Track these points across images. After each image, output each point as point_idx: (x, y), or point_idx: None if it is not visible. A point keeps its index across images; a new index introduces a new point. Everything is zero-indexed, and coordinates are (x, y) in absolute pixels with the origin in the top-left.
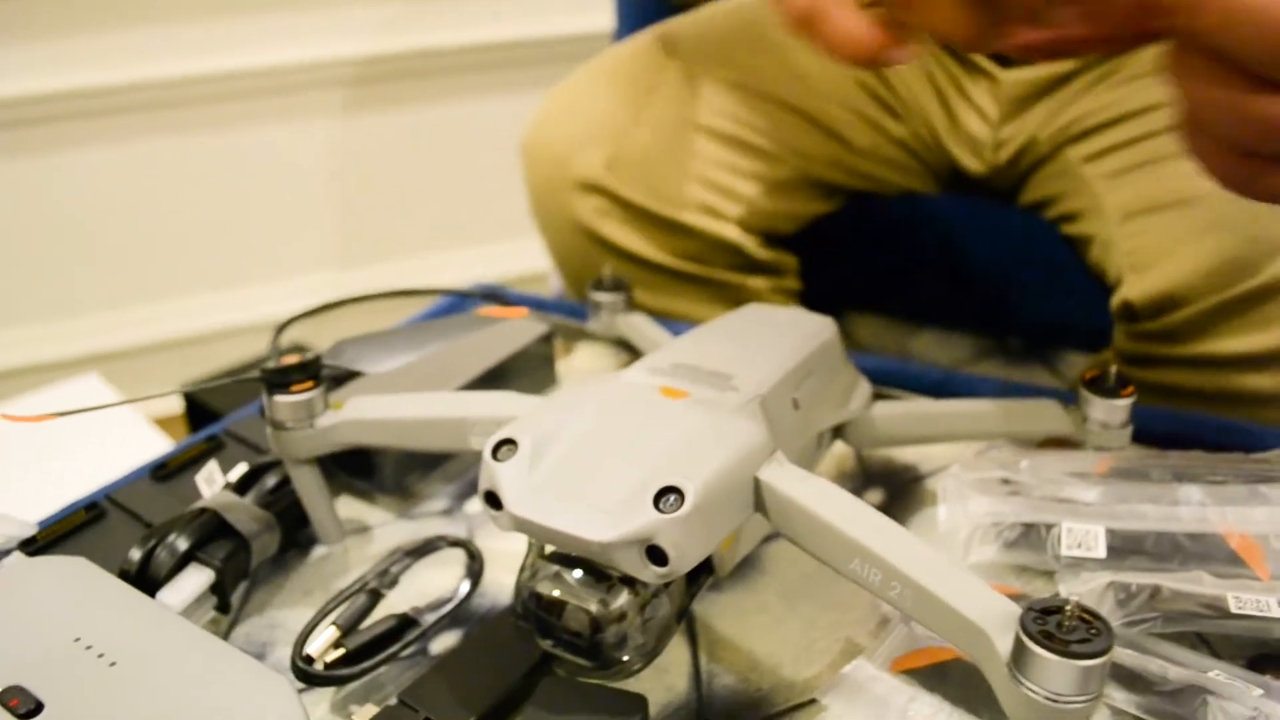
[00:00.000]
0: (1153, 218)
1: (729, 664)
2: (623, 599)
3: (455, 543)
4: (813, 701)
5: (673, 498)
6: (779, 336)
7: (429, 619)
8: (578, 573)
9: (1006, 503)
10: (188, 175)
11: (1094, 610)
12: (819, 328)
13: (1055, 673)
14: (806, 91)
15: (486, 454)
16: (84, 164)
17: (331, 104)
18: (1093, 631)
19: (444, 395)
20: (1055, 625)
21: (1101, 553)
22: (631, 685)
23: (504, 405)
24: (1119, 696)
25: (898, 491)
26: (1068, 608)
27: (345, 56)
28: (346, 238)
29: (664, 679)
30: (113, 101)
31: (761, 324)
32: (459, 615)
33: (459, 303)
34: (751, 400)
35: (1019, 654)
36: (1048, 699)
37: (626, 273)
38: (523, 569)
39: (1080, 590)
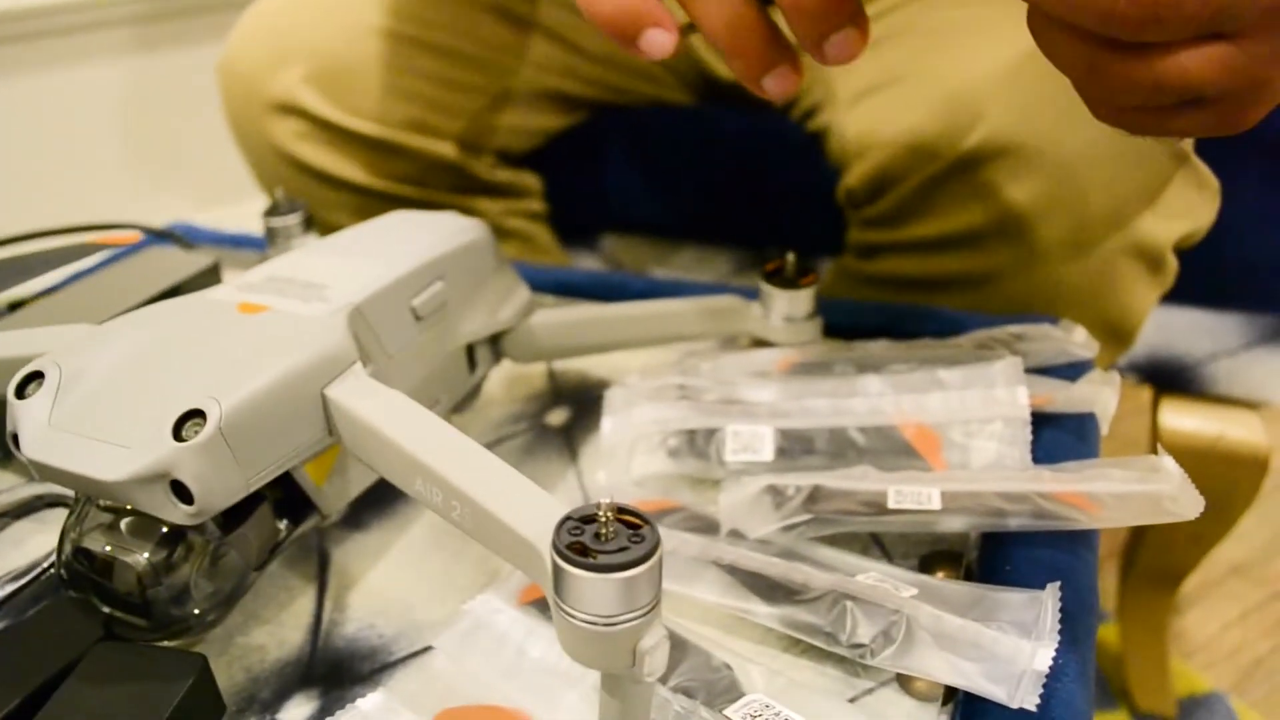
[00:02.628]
0: (874, 99)
1: (356, 611)
2: (172, 547)
3: (54, 502)
4: (429, 649)
5: (195, 424)
6: (402, 242)
7: (4, 590)
8: (126, 520)
9: (673, 409)
10: None
11: (637, 511)
12: (459, 230)
13: (589, 590)
14: None
15: (10, 391)
16: None
17: (106, 46)
18: (636, 538)
19: (13, 334)
20: (592, 536)
21: (769, 455)
22: (245, 642)
23: (62, 339)
24: (761, 611)
25: (584, 408)
26: (602, 513)
27: None
28: (132, 189)
29: (278, 633)
30: None
31: (390, 230)
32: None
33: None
34: (338, 311)
35: (555, 573)
36: (587, 621)
37: (337, 199)
38: (67, 522)
39: (737, 498)
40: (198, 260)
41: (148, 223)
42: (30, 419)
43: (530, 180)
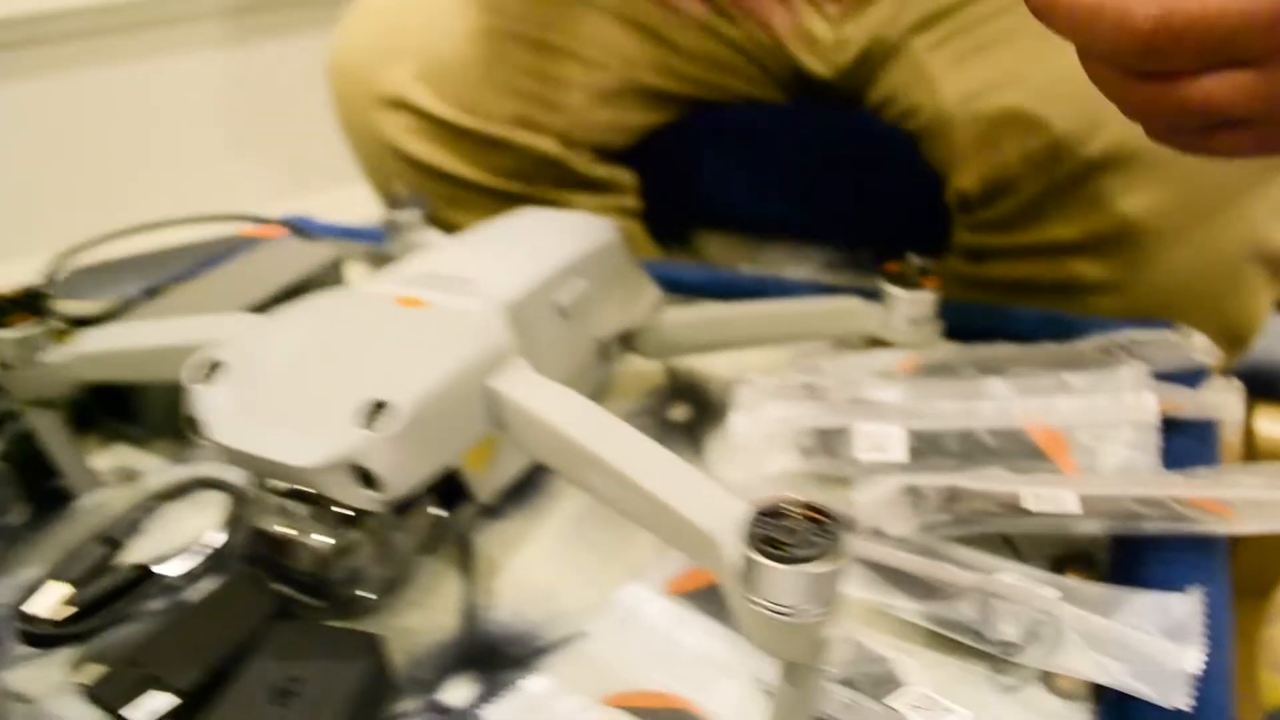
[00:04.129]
0: (987, 100)
1: (505, 597)
2: (351, 530)
3: (212, 484)
4: (584, 633)
5: (382, 414)
6: (544, 240)
7: (175, 569)
8: (303, 505)
9: (802, 407)
10: (30, 120)
11: (825, 509)
12: (594, 230)
13: (781, 583)
14: None
15: (190, 378)
16: None
17: (198, 39)
18: (823, 533)
19: (177, 321)
20: (782, 530)
21: (900, 455)
22: (398, 624)
23: (235, 326)
24: (907, 607)
25: (705, 405)
26: (793, 508)
27: None
28: (229, 178)
29: (433, 616)
30: None
31: (530, 228)
32: (221, 564)
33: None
34: (495, 306)
35: (745, 565)
36: (775, 612)
37: (444, 193)
38: (249, 504)
39: (873, 496)
40: (323, 252)
41: (249, 211)
42: (214, 405)
43: (625, 176)
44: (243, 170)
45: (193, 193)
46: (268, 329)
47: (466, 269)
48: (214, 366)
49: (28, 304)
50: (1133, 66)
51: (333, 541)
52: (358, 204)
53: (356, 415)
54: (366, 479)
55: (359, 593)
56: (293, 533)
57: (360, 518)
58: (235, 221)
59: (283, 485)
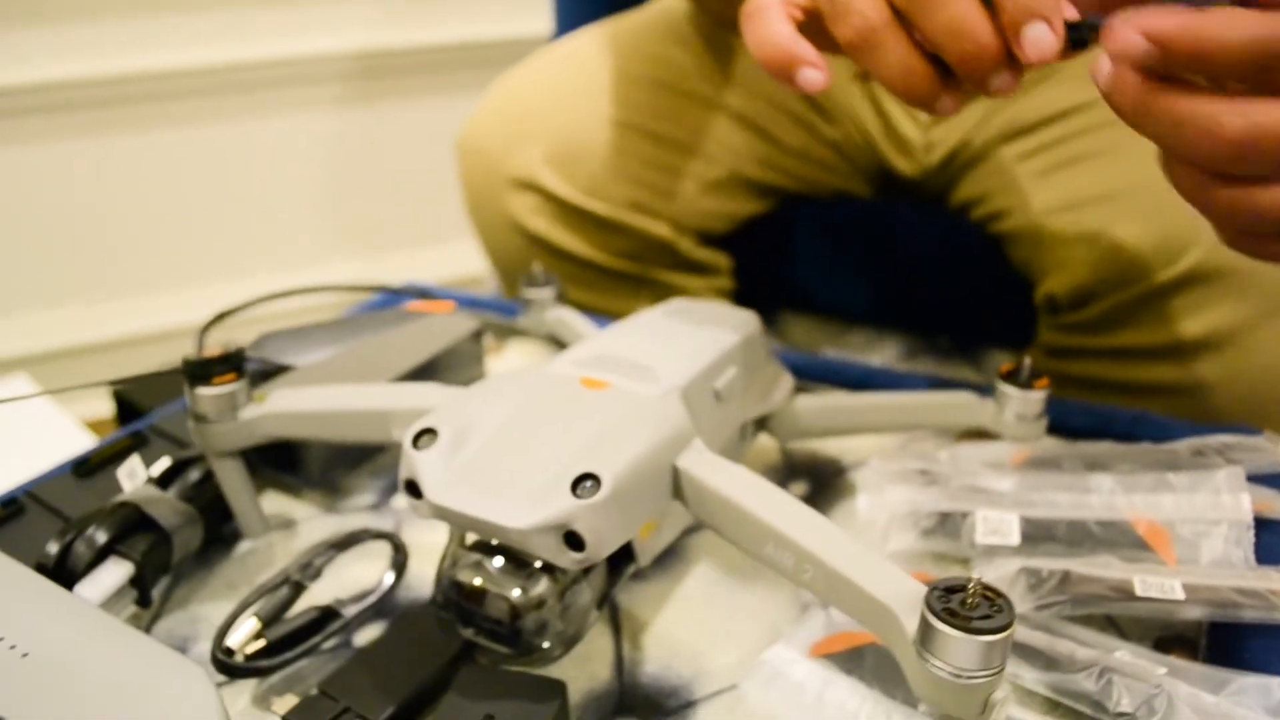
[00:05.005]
0: (1078, 213)
1: (652, 652)
2: (542, 586)
3: (379, 535)
4: (732, 688)
5: (590, 484)
6: (701, 330)
7: (352, 611)
8: (498, 560)
9: (924, 492)
10: (145, 171)
11: (995, 588)
12: (741, 321)
13: (959, 649)
14: (737, 91)
15: (406, 443)
16: (32, 159)
17: (310, 100)
18: (994, 608)
19: (367, 387)
20: (959, 603)
21: (1015, 540)
22: (554, 673)
23: (425, 397)
24: (1029, 676)
25: (821, 483)
26: (970, 586)
27: (335, 51)
28: (318, 235)
29: (587, 667)
30: (61, 98)
31: (685, 317)
32: (384, 607)
33: (395, 299)
34: (672, 390)
35: (924, 632)
36: (952, 674)
37: (561, 270)
38: (444, 558)
39: (993, 576)
40: (466, 324)
41: (356, 275)
42: (430, 468)
43: (723, 260)
44: (340, 226)
45: (298, 244)
46: (470, 402)
47: (639, 355)
48: (426, 433)
49: (231, 363)
50: (1218, 170)
51: (529, 595)
52: (433, 264)
53: (567, 485)
54: (573, 542)
55: (544, 644)
56: (493, 586)
57: (552, 573)
58: (378, 291)
59: (471, 540)
